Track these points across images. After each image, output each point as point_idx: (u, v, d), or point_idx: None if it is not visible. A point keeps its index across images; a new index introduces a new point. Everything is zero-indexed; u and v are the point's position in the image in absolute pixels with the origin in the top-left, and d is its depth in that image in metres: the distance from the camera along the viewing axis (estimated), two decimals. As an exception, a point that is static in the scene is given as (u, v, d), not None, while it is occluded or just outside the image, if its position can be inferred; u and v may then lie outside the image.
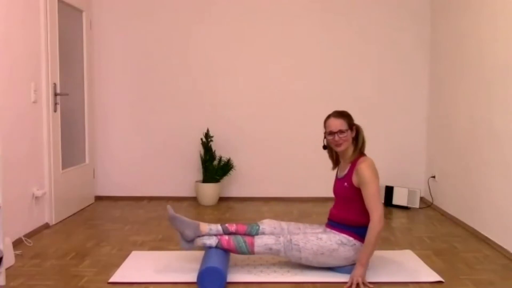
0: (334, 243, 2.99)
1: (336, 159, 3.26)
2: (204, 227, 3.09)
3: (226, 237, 3.06)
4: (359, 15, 5.16)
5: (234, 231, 3.12)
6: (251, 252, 3.02)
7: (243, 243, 3.01)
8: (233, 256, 3.26)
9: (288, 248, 3.00)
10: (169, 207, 3.10)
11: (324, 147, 3.22)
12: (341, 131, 3.04)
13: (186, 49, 5.18)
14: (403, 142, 5.25)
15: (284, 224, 3.21)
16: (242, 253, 3.04)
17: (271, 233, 3.13)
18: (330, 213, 3.20)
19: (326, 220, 3.26)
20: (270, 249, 3.01)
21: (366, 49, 5.18)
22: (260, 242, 3.01)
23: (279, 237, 3.03)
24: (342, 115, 3.10)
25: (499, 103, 3.65)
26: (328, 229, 3.12)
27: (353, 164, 3.05)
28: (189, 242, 3.07)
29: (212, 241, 3.04)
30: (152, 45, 5.18)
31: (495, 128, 3.70)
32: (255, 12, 5.17)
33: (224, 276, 2.79)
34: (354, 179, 3.01)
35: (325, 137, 3.14)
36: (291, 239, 3.01)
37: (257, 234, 3.12)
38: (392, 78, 5.21)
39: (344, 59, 5.19)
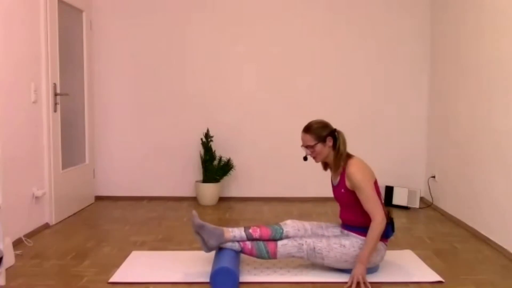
0: (357, 248, 2.96)
1: (324, 164, 3.22)
2: (228, 234, 3.00)
3: (249, 244, 3.00)
4: (358, 15, 5.15)
5: (258, 237, 3.02)
6: (273, 258, 3.02)
7: (266, 253, 2.98)
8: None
9: (311, 256, 2.98)
10: (195, 213, 3.00)
11: (305, 158, 3.17)
12: (308, 146, 3.04)
13: (186, 49, 5.18)
14: (403, 142, 5.25)
15: (307, 225, 3.15)
16: (263, 259, 3.04)
17: (294, 236, 3.07)
18: (340, 218, 3.18)
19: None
20: (293, 256, 3.01)
21: (366, 49, 5.18)
22: (282, 251, 2.97)
23: (302, 244, 2.97)
24: (309, 129, 3.05)
25: (499, 103, 3.65)
26: (346, 231, 3.10)
27: (343, 169, 3.03)
28: (211, 249, 3.01)
29: (235, 248, 3.01)
30: (152, 45, 5.18)
31: (495, 128, 3.70)
32: (255, 13, 5.17)
33: (237, 277, 2.79)
34: (348, 184, 3.00)
35: None
36: (314, 248, 2.97)
37: (281, 238, 3.04)
38: (392, 78, 5.21)
39: (343, 59, 5.19)
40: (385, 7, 5.15)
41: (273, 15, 5.17)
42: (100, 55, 5.18)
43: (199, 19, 5.16)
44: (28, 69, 3.87)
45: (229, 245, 3.00)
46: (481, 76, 3.95)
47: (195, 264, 3.21)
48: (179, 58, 5.19)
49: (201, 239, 2.99)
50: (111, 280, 2.95)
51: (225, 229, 3.03)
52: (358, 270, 2.87)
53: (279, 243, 2.99)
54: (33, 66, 3.96)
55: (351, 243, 2.98)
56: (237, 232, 3.03)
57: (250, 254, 3.01)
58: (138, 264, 3.22)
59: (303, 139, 3.07)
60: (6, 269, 3.03)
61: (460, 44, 4.38)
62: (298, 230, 3.10)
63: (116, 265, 3.22)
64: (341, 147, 3.04)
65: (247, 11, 5.17)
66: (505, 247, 3.51)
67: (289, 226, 3.10)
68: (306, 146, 3.05)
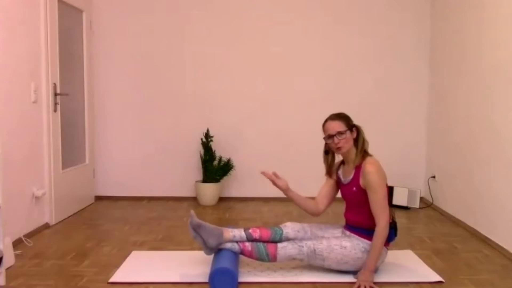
0: (359, 251, 2.94)
1: (330, 165, 3.18)
2: (228, 234, 2.98)
3: (249, 246, 2.97)
4: (359, 14, 5.16)
5: (257, 237, 2.99)
6: (272, 261, 2.99)
7: (266, 256, 2.95)
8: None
9: (311, 257, 2.97)
10: (193, 213, 2.97)
11: (326, 152, 3.13)
12: (339, 133, 2.97)
13: (186, 49, 5.18)
14: (403, 142, 5.25)
15: (307, 226, 3.13)
16: (263, 261, 3.02)
17: (294, 237, 3.03)
18: (345, 217, 3.15)
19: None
20: (293, 258, 2.99)
21: (366, 49, 5.18)
22: (283, 253, 2.95)
23: (302, 246, 2.96)
24: (339, 116, 3.03)
25: (499, 102, 3.65)
26: (348, 232, 3.08)
27: (359, 166, 2.99)
28: (212, 249, 2.99)
29: (235, 250, 2.99)
30: (152, 45, 5.18)
31: (495, 128, 3.70)
32: (255, 13, 5.17)
33: (236, 277, 2.78)
34: (362, 182, 2.95)
35: (325, 142, 3.08)
36: (314, 249, 2.95)
37: (280, 239, 3.02)
38: (392, 78, 5.21)
39: (343, 59, 5.19)
40: (386, 7, 5.15)
41: (273, 15, 5.17)
42: (100, 55, 5.18)
43: (199, 19, 5.16)
44: (28, 69, 3.87)
45: (228, 245, 2.99)
46: (481, 76, 3.95)
47: (195, 264, 3.21)
48: (179, 58, 5.19)
49: (201, 240, 2.96)
50: (111, 280, 2.95)
51: (224, 229, 3.01)
52: (364, 277, 2.84)
53: (279, 245, 2.97)
54: (33, 66, 3.96)
55: (352, 245, 2.96)
56: (237, 232, 3.01)
57: (250, 256, 3.00)
58: (138, 264, 3.22)
59: (332, 127, 2.99)
60: (6, 269, 3.03)
61: (460, 44, 4.38)
62: (298, 231, 3.08)
63: (116, 265, 3.22)
64: (366, 140, 3.04)
65: (247, 11, 5.16)
66: (505, 247, 3.51)
67: (289, 227, 3.08)
68: (335, 134, 2.96)
